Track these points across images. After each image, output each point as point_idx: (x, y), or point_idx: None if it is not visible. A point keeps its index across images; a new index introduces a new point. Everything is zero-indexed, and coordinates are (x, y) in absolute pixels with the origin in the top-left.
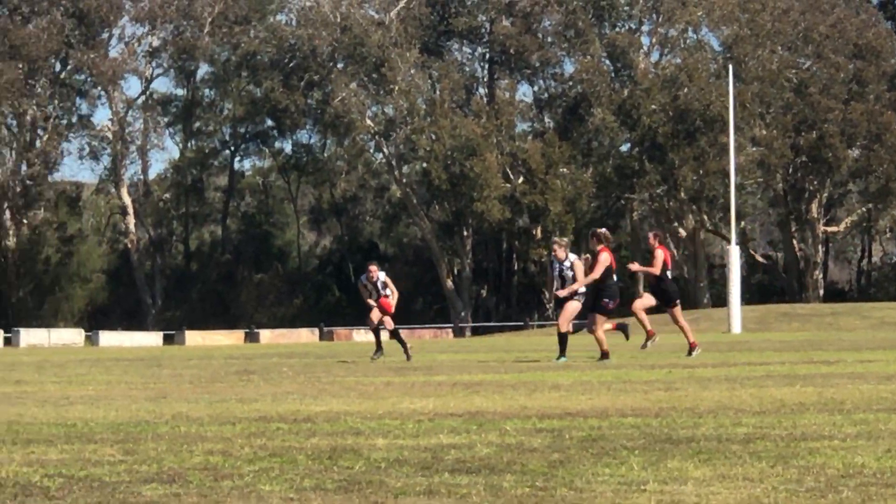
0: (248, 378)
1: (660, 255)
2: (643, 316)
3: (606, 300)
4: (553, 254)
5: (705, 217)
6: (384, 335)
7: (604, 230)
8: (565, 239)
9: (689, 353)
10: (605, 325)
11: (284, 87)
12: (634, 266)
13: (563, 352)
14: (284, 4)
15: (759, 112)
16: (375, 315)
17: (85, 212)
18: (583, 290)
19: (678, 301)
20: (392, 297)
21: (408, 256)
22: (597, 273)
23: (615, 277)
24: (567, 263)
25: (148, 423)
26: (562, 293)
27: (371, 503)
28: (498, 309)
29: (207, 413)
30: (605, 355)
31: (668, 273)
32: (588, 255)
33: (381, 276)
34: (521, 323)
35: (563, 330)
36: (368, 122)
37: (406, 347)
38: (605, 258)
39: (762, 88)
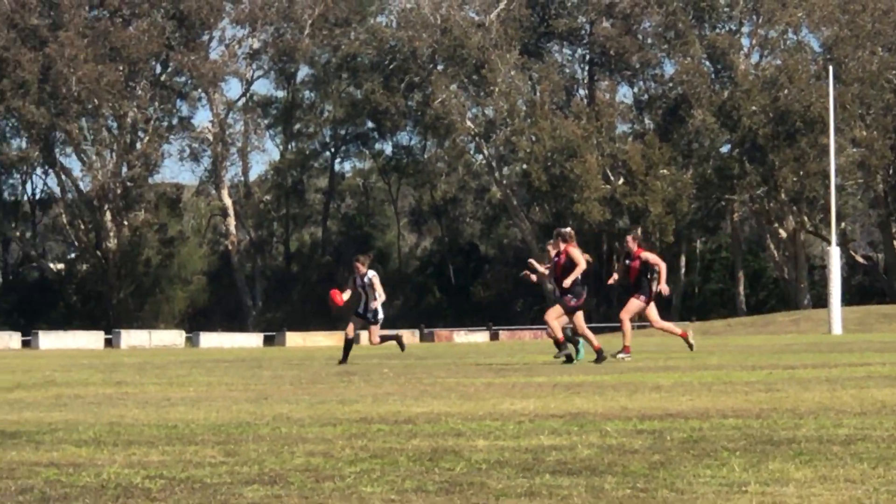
0: (349, 379)
1: (646, 257)
2: (666, 325)
3: (570, 296)
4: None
5: (805, 218)
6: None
7: (568, 229)
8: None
9: (617, 355)
10: (561, 320)
11: (385, 88)
12: (614, 278)
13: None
14: (385, 6)
15: (860, 113)
16: (352, 329)
17: (185, 213)
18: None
19: (652, 301)
20: (378, 300)
21: (507, 258)
22: (582, 265)
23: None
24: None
25: (249, 424)
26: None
27: None
28: (598, 310)
29: (308, 414)
30: (565, 353)
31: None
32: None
33: (370, 274)
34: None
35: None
36: (468, 123)
37: (399, 340)
38: (578, 254)
39: (862, 90)
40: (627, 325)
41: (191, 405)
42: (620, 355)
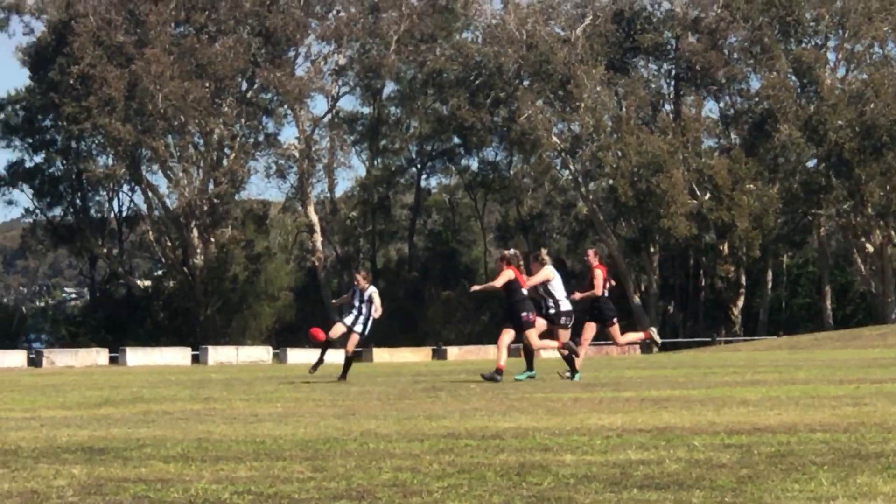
0: (436, 395)
1: (599, 273)
2: (628, 339)
3: (525, 314)
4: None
5: (892, 232)
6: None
7: (512, 251)
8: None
9: (572, 377)
10: (541, 340)
11: (470, 104)
12: (577, 296)
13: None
14: (470, 22)
15: None
16: (338, 331)
17: (272, 230)
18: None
19: (615, 319)
20: (375, 314)
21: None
22: (495, 285)
23: (525, 292)
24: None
25: (336, 439)
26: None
27: None
28: (685, 325)
29: (396, 430)
30: (499, 372)
31: (606, 291)
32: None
33: (371, 290)
34: (709, 339)
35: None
36: (554, 139)
37: (346, 367)
38: (509, 273)
39: None
40: (551, 343)
41: (278, 421)
42: (573, 375)
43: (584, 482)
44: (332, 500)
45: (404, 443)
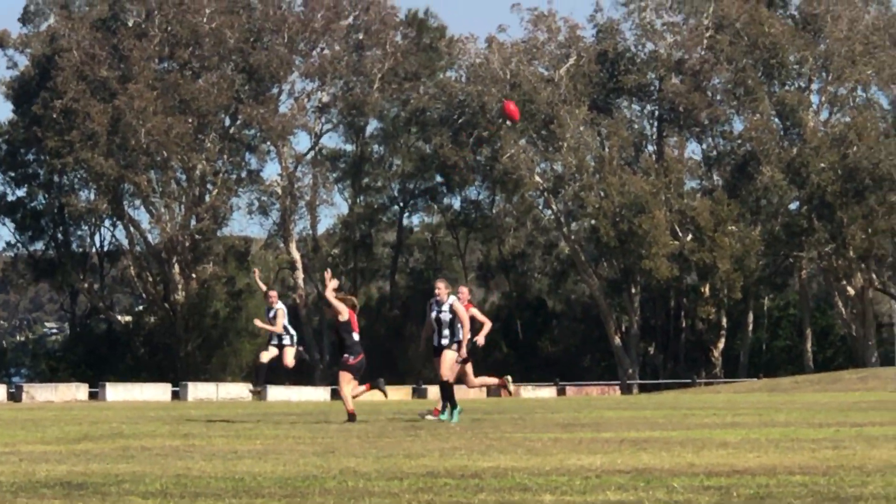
0: (416, 433)
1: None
2: (482, 381)
3: (347, 355)
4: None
5: (874, 275)
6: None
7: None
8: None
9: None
10: (354, 386)
11: (453, 143)
12: (478, 339)
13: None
14: (454, 61)
15: None
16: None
17: (254, 266)
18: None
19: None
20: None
21: (576, 313)
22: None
23: (356, 336)
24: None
25: (315, 477)
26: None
27: None
28: (665, 366)
29: (375, 468)
30: (351, 417)
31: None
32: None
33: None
34: (689, 380)
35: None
36: (537, 178)
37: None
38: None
39: None
40: (481, 381)
41: (258, 458)
42: (429, 416)
43: None
44: None
45: (383, 481)
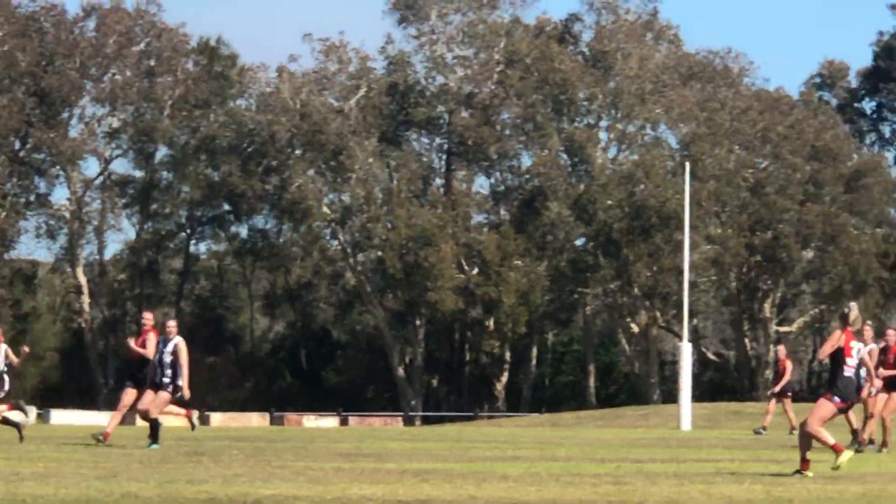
0: (198, 459)
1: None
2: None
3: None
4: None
5: (658, 313)
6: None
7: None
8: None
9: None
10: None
11: (242, 171)
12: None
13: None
14: (245, 89)
15: (715, 210)
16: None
17: (40, 290)
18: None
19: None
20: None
21: (360, 344)
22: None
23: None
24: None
25: (97, 501)
26: None
27: None
28: (448, 399)
29: (157, 493)
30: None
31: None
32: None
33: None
34: (472, 413)
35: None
36: (325, 209)
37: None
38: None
39: (718, 187)
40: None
41: (40, 480)
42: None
43: None
44: None
45: None
